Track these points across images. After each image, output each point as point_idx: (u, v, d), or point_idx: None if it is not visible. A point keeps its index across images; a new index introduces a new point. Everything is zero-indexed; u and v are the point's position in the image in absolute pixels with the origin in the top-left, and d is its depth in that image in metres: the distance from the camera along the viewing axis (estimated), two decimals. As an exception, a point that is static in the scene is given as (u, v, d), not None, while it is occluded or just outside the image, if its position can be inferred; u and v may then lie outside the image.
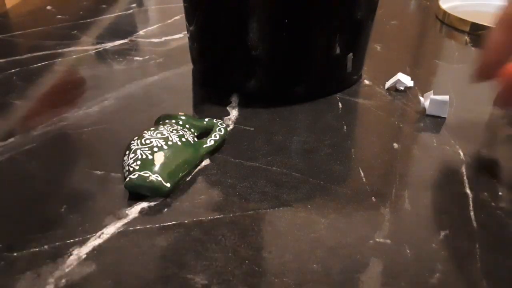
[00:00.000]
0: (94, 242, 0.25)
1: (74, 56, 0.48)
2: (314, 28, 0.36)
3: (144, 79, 0.43)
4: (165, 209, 0.27)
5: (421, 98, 0.38)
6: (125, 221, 0.26)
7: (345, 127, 0.35)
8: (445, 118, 0.36)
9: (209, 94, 0.40)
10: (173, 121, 0.32)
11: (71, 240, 0.25)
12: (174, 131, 0.30)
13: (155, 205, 0.27)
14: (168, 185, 0.27)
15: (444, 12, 0.58)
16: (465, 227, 0.25)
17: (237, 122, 0.36)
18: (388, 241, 0.25)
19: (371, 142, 0.33)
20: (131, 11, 0.63)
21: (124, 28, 0.56)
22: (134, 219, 0.26)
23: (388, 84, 0.41)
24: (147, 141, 0.29)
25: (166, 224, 0.26)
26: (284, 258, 0.24)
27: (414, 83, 0.41)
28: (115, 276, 0.23)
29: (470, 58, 0.48)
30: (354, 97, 0.40)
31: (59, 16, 0.60)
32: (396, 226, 0.26)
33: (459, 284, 0.22)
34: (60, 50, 0.49)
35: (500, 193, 0.28)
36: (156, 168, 0.27)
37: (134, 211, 0.27)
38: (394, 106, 0.38)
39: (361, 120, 0.37)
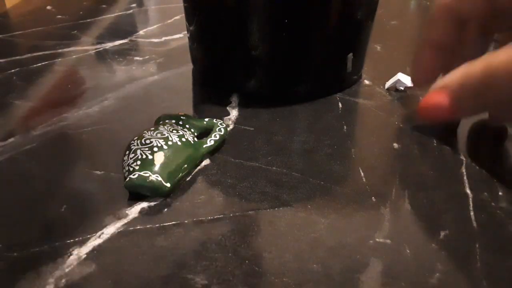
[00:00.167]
0: (94, 242, 0.25)
1: (74, 56, 0.48)
2: (314, 28, 0.36)
3: (144, 79, 0.43)
4: (165, 209, 0.27)
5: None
6: (125, 221, 0.26)
7: (345, 127, 0.35)
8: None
9: (209, 94, 0.40)
10: (173, 121, 0.32)
11: (71, 240, 0.25)
12: (174, 131, 0.30)
13: (155, 205, 0.27)
14: (168, 185, 0.27)
15: (444, 12, 0.58)
16: (465, 227, 0.25)
17: (237, 122, 0.36)
18: (388, 241, 0.25)
19: (371, 142, 0.33)
20: (131, 11, 0.63)
21: (124, 28, 0.56)
22: (134, 219, 0.26)
23: (388, 84, 0.41)
24: (147, 141, 0.29)
25: (166, 224, 0.26)
26: (284, 258, 0.24)
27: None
28: (115, 276, 0.23)
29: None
30: (354, 97, 0.40)
31: (59, 16, 0.60)
32: (396, 226, 0.26)
33: (459, 284, 0.22)
34: (60, 50, 0.49)
35: (500, 193, 0.28)
36: (156, 168, 0.27)
37: (134, 211, 0.27)
38: (394, 106, 0.38)
39: (361, 120, 0.37)
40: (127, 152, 0.29)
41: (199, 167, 0.30)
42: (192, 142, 0.30)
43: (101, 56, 0.48)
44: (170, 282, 0.22)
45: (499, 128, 0.34)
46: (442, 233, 0.25)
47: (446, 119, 0.29)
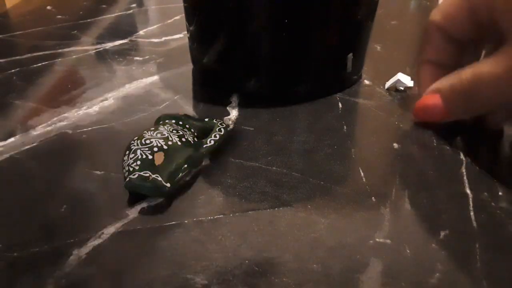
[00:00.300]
0: (94, 242, 0.25)
1: (74, 56, 0.48)
2: (314, 28, 0.36)
3: (144, 79, 0.43)
4: (165, 209, 0.27)
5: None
6: (125, 221, 0.26)
7: (345, 127, 0.35)
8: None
9: (209, 94, 0.40)
10: (173, 121, 0.32)
11: (71, 240, 0.25)
12: (174, 131, 0.30)
13: (155, 205, 0.27)
14: (168, 185, 0.27)
15: (444, 12, 0.58)
16: (465, 227, 0.25)
17: (237, 122, 0.36)
18: (388, 241, 0.25)
19: (371, 142, 0.33)
20: (131, 11, 0.63)
21: (124, 28, 0.56)
22: (134, 219, 0.26)
23: (388, 84, 0.41)
24: (147, 141, 0.29)
25: (166, 224, 0.26)
26: (284, 258, 0.24)
27: (414, 83, 0.41)
28: (115, 276, 0.23)
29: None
30: (354, 97, 0.40)
31: (59, 16, 0.60)
32: (396, 226, 0.26)
33: (459, 284, 0.22)
34: (60, 50, 0.49)
35: (500, 193, 0.28)
36: (156, 168, 0.27)
37: (134, 211, 0.27)
38: (394, 106, 0.38)
39: (361, 120, 0.37)
40: (127, 152, 0.29)
41: (199, 167, 0.30)
42: (192, 142, 0.30)
43: (101, 56, 0.48)
44: (170, 282, 0.22)
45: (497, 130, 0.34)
46: (442, 233, 0.25)
47: (439, 119, 0.33)
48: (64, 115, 0.36)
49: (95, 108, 0.38)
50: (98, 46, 0.50)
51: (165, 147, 0.28)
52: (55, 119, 0.36)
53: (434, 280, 0.22)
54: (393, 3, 0.67)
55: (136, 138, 0.30)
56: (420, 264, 0.23)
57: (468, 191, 0.28)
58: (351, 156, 0.32)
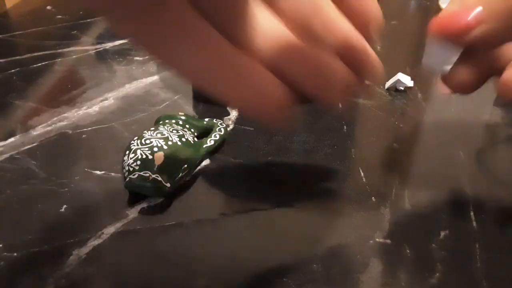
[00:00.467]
0: (94, 242, 0.25)
1: (74, 56, 0.48)
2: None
3: (144, 79, 0.43)
4: (165, 209, 0.27)
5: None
6: (125, 221, 0.26)
7: (345, 127, 0.35)
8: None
9: (209, 94, 0.40)
10: (173, 121, 0.32)
11: (71, 240, 0.25)
12: (174, 131, 0.30)
13: (155, 205, 0.27)
14: (168, 185, 0.27)
15: (444, 12, 0.58)
16: (465, 227, 0.25)
17: (237, 122, 0.36)
18: (388, 241, 0.25)
19: (371, 142, 0.33)
20: (131, 11, 0.63)
21: (124, 28, 0.56)
22: (134, 219, 0.26)
23: (388, 84, 0.41)
24: (147, 141, 0.29)
25: (166, 224, 0.26)
26: (284, 258, 0.24)
27: (414, 83, 0.41)
28: (115, 276, 0.23)
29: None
30: (354, 97, 0.39)
31: (59, 16, 0.60)
32: (396, 226, 0.26)
33: (459, 284, 0.22)
34: (60, 50, 0.49)
35: (500, 193, 0.28)
36: (156, 168, 0.27)
37: (134, 211, 0.27)
38: (394, 106, 0.38)
39: (361, 120, 0.37)
40: (127, 152, 0.29)
41: (199, 167, 0.30)
42: (192, 142, 0.30)
43: (101, 56, 0.48)
44: (170, 282, 0.22)
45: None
46: (442, 233, 0.25)
47: (461, 31, 0.23)
48: (64, 115, 0.36)
49: (95, 108, 0.38)
50: (98, 46, 0.50)
51: (165, 147, 0.28)
52: (55, 119, 0.36)
53: (434, 280, 0.22)
54: (393, 2, 0.67)
55: (136, 138, 0.30)
56: (420, 264, 0.23)
57: (468, 191, 0.28)
58: (351, 156, 0.32)
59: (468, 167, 0.30)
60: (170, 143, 0.29)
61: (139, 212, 0.27)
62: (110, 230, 0.25)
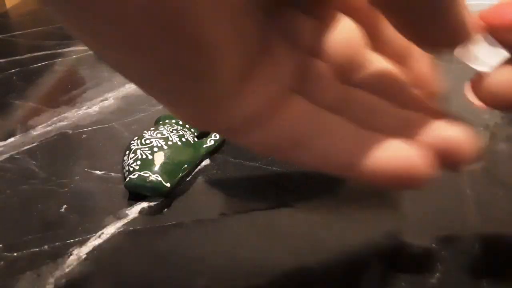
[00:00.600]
0: (94, 242, 0.25)
1: (74, 56, 0.48)
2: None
3: (144, 79, 0.42)
4: (165, 209, 0.27)
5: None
6: (125, 221, 0.26)
7: (345, 127, 0.35)
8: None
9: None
10: (173, 121, 0.32)
11: (71, 240, 0.25)
12: (174, 131, 0.30)
13: (155, 205, 0.27)
14: (168, 185, 0.27)
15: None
16: (465, 227, 0.25)
17: (237, 122, 0.36)
18: (388, 241, 0.25)
19: (371, 142, 0.33)
20: (131, 11, 0.63)
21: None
22: (134, 219, 0.26)
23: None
24: (147, 141, 0.29)
25: (166, 224, 0.26)
26: (284, 258, 0.24)
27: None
28: (115, 276, 0.23)
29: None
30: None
31: (59, 16, 0.60)
32: (396, 226, 0.26)
33: (459, 284, 0.22)
34: (60, 50, 0.49)
35: (500, 193, 0.28)
36: (156, 168, 0.27)
37: (134, 211, 0.27)
38: (394, 106, 0.38)
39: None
40: (127, 152, 0.29)
41: (199, 167, 0.30)
42: (192, 142, 0.30)
43: (101, 56, 0.48)
44: (170, 282, 0.22)
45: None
46: (442, 233, 0.25)
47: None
48: (64, 115, 0.36)
49: (95, 108, 0.38)
50: (98, 46, 0.50)
51: (165, 147, 0.28)
52: (55, 119, 0.36)
53: (434, 280, 0.22)
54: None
55: (136, 138, 0.30)
56: (420, 264, 0.23)
57: (468, 191, 0.28)
58: (351, 156, 0.32)
59: (468, 167, 0.30)
60: (170, 143, 0.29)
61: (139, 212, 0.27)
62: (110, 230, 0.25)
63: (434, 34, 0.15)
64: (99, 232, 0.25)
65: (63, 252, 0.24)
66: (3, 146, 0.33)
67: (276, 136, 0.14)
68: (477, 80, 0.18)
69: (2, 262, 0.23)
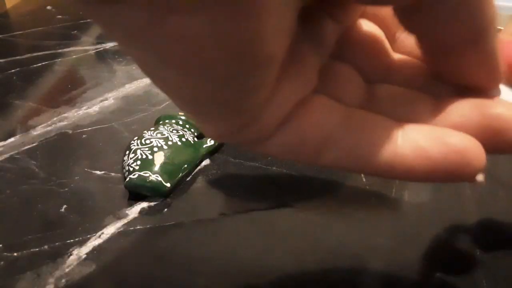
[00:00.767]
0: (94, 242, 0.25)
1: (74, 56, 0.48)
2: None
3: (144, 79, 0.42)
4: (165, 209, 0.27)
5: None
6: (125, 221, 0.26)
7: (345, 127, 0.35)
8: None
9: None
10: (173, 121, 0.32)
11: (71, 240, 0.25)
12: (174, 131, 0.30)
13: (155, 205, 0.27)
14: (168, 185, 0.27)
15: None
16: (465, 227, 0.25)
17: (237, 122, 0.36)
18: (388, 241, 0.25)
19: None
20: (131, 11, 0.63)
21: (124, 28, 0.56)
22: (134, 219, 0.26)
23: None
24: (147, 141, 0.29)
25: (166, 224, 0.26)
26: (284, 258, 0.24)
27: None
28: (115, 276, 0.23)
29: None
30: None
31: (59, 16, 0.60)
32: (396, 226, 0.26)
33: (459, 284, 0.22)
34: (60, 50, 0.49)
35: (500, 193, 0.28)
36: (156, 168, 0.27)
37: (134, 211, 0.27)
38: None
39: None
40: (127, 152, 0.29)
41: (199, 167, 0.30)
42: (192, 142, 0.30)
43: (101, 56, 0.48)
44: (170, 282, 0.22)
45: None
46: (442, 233, 0.25)
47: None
48: (64, 115, 0.36)
49: (95, 108, 0.38)
50: (98, 46, 0.50)
51: (165, 147, 0.28)
52: (55, 119, 0.36)
53: (434, 280, 0.22)
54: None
55: (136, 138, 0.30)
56: (420, 264, 0.23)
57: (468, 191, 0.28)
58: (351, 156, 0.32)
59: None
60: (170, 143, 0.29)
61: (139, 212, 0.27)
62: (110, 230, 0.25)
63: (477, 78, 0.14)
64: (99, 232, 0.25)
65: (63, 252, 0.24)
66: (3, 146, 0.33)
67: (302, 138, 0.14)
68: None
69: (2, 262, 0.23)
